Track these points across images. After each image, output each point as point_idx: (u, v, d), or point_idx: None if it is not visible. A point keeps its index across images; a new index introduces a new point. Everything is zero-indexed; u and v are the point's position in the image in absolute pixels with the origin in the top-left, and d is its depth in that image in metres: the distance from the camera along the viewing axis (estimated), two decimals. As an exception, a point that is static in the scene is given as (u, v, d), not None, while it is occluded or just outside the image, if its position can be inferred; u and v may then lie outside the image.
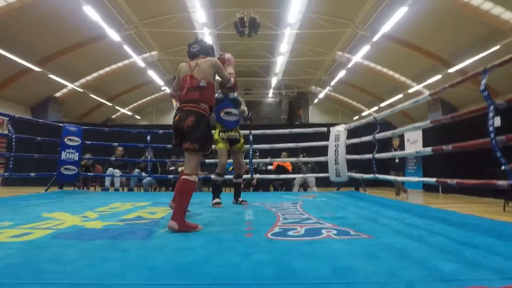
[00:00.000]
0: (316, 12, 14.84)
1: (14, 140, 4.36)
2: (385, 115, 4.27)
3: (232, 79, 2.58)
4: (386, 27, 13.21)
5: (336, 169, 5.10)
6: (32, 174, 4.76)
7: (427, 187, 7.94)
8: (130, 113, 25.14)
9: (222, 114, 3.57)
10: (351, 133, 5.29)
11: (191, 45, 2.51)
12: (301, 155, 6.72)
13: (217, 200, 3.50)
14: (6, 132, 4.82)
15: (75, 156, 5.18)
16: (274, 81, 22.74)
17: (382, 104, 21.14)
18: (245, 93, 24.69)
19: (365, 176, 4.50)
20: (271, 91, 24.93)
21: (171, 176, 5.89)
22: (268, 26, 15.64)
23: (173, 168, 6.65)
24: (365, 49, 15.63)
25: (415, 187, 8.06)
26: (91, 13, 12.51)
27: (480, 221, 2.53)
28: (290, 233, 2.04)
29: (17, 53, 13.81)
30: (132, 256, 1.54)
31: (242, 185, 4.07)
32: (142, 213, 2.88)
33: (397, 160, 6.27)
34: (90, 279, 1.21)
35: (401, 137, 6.95)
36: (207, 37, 16.21)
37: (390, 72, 18.37)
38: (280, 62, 19.46)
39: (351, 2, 13.79)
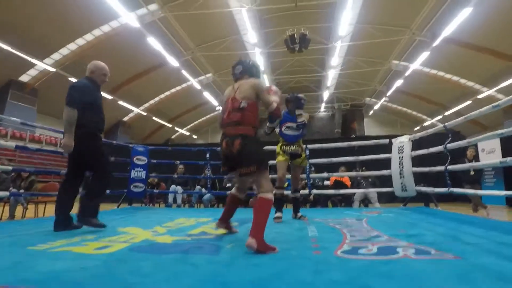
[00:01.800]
0: (368, 22, 14.45)
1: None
2: (456, 124, 3.86)
3: (274, 104, 2.34)
4: (448, 30, 12.30)
5: (401, 183, 4.73)
6: (108, 191, 5.22)
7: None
8: (187, 133, 26.61)
9: (283, 128, 3.60)
10: (416, 145, 4.89)
11: (235, 67, 2.45)
12: (360, 169, 6.38)
13: (278, 214, 3.45)
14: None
15: (143, 174, 5.57)
16: (326, 94, 22.39)
17: (447, 113, 19.46)
18: (296, 108, 24.66)
19: (437, 190, 4.08)
20: (323, 105, 24.54)
21: (229, 192, 6.00)
22: (319, 41, 15.61)
23: (230, 184, 6.78)
24: (424, 55, 14.69)
25: (496, 203, 7.13)
26: (154, 43, 13.78)
27: None
28: (361, 251, 1.90)
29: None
30: (203, 271, 1.56)
31: (300, 200, 3.96)
32: (206, 229, 2.94)
33: (472, 172, 5.62)
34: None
35: (475, 146, 6.25)
36: (258, 57, 16.69)
37: (455, 78, 16.92)
38: (331, 75, 19.17)
39: (406, 8, 13.17)
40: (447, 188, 3.76)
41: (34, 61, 13.53)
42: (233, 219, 2.79)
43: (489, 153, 7.51)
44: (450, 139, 3.80)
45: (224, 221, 2.61)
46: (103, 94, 16.60)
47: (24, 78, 14.70)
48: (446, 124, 3.93)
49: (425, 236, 2.39)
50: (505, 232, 2.52)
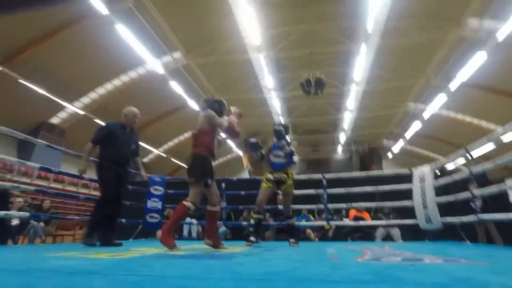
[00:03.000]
0: (382, 68, 14.87)
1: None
2: (484, 169, 3.63)
3: (225, 123, 2.86)
4: (464, 75, 12.46)
5: (425, 214, 4.47)
6: (123, 220, 5.19)
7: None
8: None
9: (271, 156, 3.68)
10: (439, 191, 4.65)
11: (202, 104, 3.09)
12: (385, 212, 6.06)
13: (251, 238, 3.43)
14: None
15: (159, 205, 5.54)
16: (342, 137, 22.39)
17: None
18: (312, 150, 24.62)
19: (465, 218, 3.81)
20: (340, 147, 24.41)
21: (245, 223, 5.83)
22: (334, 85, 16.06)
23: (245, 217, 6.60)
24: (442, 98, 14.73)
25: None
26: (176, 87, 14.59)
27: None
28: (383, 260, 1.78)
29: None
30: (216, 267, 1.51)
31: (295, 226, 3.83)
32: (222, 250, 2.86)
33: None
34: (181, 275, 1.23)
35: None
36: (275, 100, 17.22)
37: (476, 120, 16.65)
38: (347, 117, 19.34)
39: (420, 53, 13.57)
40: (475, 215, 3.52)
41: (65, 104, 14.47)
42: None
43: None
44: (475, 184, 3.64)
45: (208, 237, 2.86)
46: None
47: (55, 120, 15.60)
48: (472, 168, 3.73)
49: (455, 253, 2.22)
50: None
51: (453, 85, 13.64)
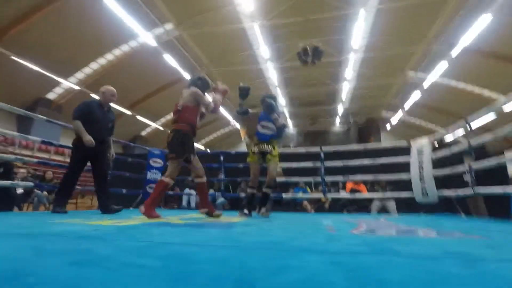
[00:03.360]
0: (382, 34, 14.41)
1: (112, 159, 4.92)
2: (483, 142, 3.58)
3: (212, 104, 2.91)
4: (466, 40, 12.09)
5: (422, 188, 4.51)
6: (124, 190, 5.27)
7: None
8: (202, 148, 26.86)
9: (258, 127, 3.58)
10: (436, 163, 4.63)
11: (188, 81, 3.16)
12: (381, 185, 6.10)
13: (245, 211, 3.42)
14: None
15: (158, 176, 5.59)
16: (340, 108, 22.23)
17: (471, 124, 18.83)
18: (310, 122, 24.56)
19: (460, 192, 3.84)
20: (337, 119, 24.32)
21: (243, 195, 5.90)
22: (332, 54, 15.66)
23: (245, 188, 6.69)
24: (442, 66, 14.43)
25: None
26: (170, 60, 14.23)
27: None
28: (379, 232, 1.80)
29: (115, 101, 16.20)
30: (216, 236, 1.52)
31: (270, 197, 3.74)
32: (220, 219, 2.91)
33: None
34: (181, 242, 1.25)
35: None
36: (272, 71, 16.88)
37: (477, 89, 16.44)
38: (345, 88, 19.09)
39: (420, 18, 13.07)
40: (471, 188, 3.54)
41: (60, 80, 14.23)
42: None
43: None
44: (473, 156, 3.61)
45: (203, 205, 3.03)
46: (122, 109, 17.20)
47: (51, 96, 15.42)
48: (471, 140, 3.67)
49: (448, 226, 2.25)
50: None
51: (455, 51, 13.28)
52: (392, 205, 5.88)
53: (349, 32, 13.78)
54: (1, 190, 4.11)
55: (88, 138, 3.26)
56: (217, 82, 3.16)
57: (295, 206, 6.32)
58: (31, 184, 4.56)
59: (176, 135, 2.80)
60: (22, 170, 6.24)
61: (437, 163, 4.53)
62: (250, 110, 3.64)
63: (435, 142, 4.92)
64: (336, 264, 0.83)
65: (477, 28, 11.19)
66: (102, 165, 3.49)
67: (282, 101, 20.93)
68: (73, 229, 1.63)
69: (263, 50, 14.74)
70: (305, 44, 13.16)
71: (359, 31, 12.84)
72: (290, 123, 24.10)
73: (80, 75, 14.88)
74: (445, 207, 4.92)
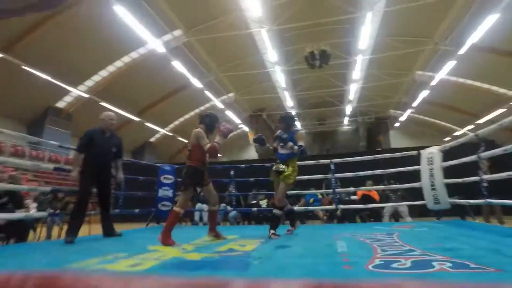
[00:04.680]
0: (389, 34, 14.34)
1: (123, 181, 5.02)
2: (490, 131, 3.68)
3: (207, 146, 3.10)
4: (474, 38, 11.96)
5: (434, 196, 4.53)
6: (136, 210, 5.37)
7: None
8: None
9: (278, 146, 3.72)
10: (447, 156, 4.68)
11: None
12: (389, 183, 6.14)
13: (273, 231, 3.43)
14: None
15: (170, 193, 5.69)
16: (348, 109, 22.12)
17: (479, 121, 18.59)
18: (318, 123, 24.49)
19: (473, 201, 3.87)
20: (346, 119, 24.21)
21: (255, 209, 6.00)
22: (339, 56, 15.62)
23: (255, 201, 6.77)
24: (450, 64, 14.28)
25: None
26: (179, 66, 14.39)
27: None
28: (394, 265, 1.84)
29: (123, 107, 16.45)
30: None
31: (278, 219, 3.65)
32: (234, 246, 2.95)
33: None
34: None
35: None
36: (279, 74, 16.91)
37: (486, 85, 16.23)
38: (353, 89, 19.00)
39: (427, 18, 12.99)
40: (483, 199, 3.55)
41: (69, 88, 14.51)
42: (259, 237, 3.21)
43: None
44: (483, 147, 3.63)
45: (211, 230, 3.47)
46: (131, 116, 17.45)
47: (61, 104, 15.72)
48: (478, 132, 3.76)
49: (463, 250, 2.27)
50: (552, 245, 2.34)
51: (463, 49, 13.15)
52: (404, 209, 5.89)
53: (356, 34, 13.75)
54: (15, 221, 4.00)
55: (73, 174, 3.49)
56: (223, 122, 3.35)
57: (307, 213, 6.36)
58: (44, 214, 4.77)
59: (187, 170, 3.20)
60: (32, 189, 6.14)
61: (449, 171, 4.54)
62: (275, 145, 3.80)
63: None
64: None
65: (484, 27, 11.08)
66: (104, 190, 3.72)
67: (289, 103, 20.93)
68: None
69: (271, 54, 14.79)
70: (312, 47, 13.15)
71: (366, 33, 12.78)
72: (299, 125, 24.03)
73: (89, 82, 15.17)
74: (458, 210, 4.91)
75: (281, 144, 3.67)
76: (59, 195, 6.87)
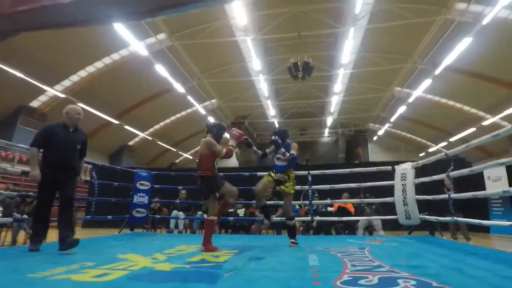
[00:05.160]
0: (371, 50, 14.84)
1: (96, 186, 4.87)
2: (459, 151, 3.87)
3: (224, 150, 3.32)
4: (449, 59, 12.59)
5: (405, 211, 4.67)
6: (109, 216, 5.21)
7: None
8: (191, 157, 26.73)
9: (274, 158, 3.92)
10: (419, 172, 4.87)
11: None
12: (364, 196, 6.30)
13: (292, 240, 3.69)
14: (89, 178, 5.42)
15: (145, 199, 5.57)
16: (329, 120, 22.58)
17: (452, 139, 19.43)
18: (300, 133, 24.80)
19: (441, 219, 4.02)
20: (326, 130, 24.68)
21: (231, 218, 5.95)
22: (322, 68, 15.97)
23: (232, 210, 6.72)
24: (427, 83, 14.93)
25: (504, 232, 6.95)
26: (161, 70, 14.23)
27: None
28: (361, 281, 1.87)
29: (101, 109, 16.01)
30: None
31: (295, 227, 3.92)
32: (206, 257, 2.91)
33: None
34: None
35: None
36: (263, 83, 17.06)
37: (458, 105, 17.04)
38: (334, 101, 19.44)
39: (407, 37, 13.56)
40: (451, 217, 3.70)
41: (45, 87, 13.96)
42: (234, 247, 3.20)
43: (496, 181, 7.41)
44: (452, 167, 3.79)
45: (204, 244, 3.38)
46: (109, 119, 16.99)
47: (35, 103, 15.09)
48: (447, 152, 3.94)
49: (428, 267, 2.34)
50: (511, 265, 2.46)
51: (438, 69, 13.80)
52: (378, 223, 6.04)
53: (339, 48, 14.14)
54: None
55: (33, 173, 3.03)
56: (232, 130, 3.58)
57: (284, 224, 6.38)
58: (9, 220, 4.46)
59: (202, 181, 3.38)
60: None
61: (420, 187, 4.71)
62: (267, 151, 4.06)
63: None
64: None
65: (459, 49, 11.71)
66: (65, 193, 3.20)
67: (271, 112, 21.12)
68: None
69: (255, 62, 14.92)
70: (296, 59, 13.39)
71: (348, 48, 13.17)
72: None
73: (67, 82, 14.65)
74: (427, 225, 5.06)
75: (277, 156, 3.85)
76: (27, 199, 6.57)
